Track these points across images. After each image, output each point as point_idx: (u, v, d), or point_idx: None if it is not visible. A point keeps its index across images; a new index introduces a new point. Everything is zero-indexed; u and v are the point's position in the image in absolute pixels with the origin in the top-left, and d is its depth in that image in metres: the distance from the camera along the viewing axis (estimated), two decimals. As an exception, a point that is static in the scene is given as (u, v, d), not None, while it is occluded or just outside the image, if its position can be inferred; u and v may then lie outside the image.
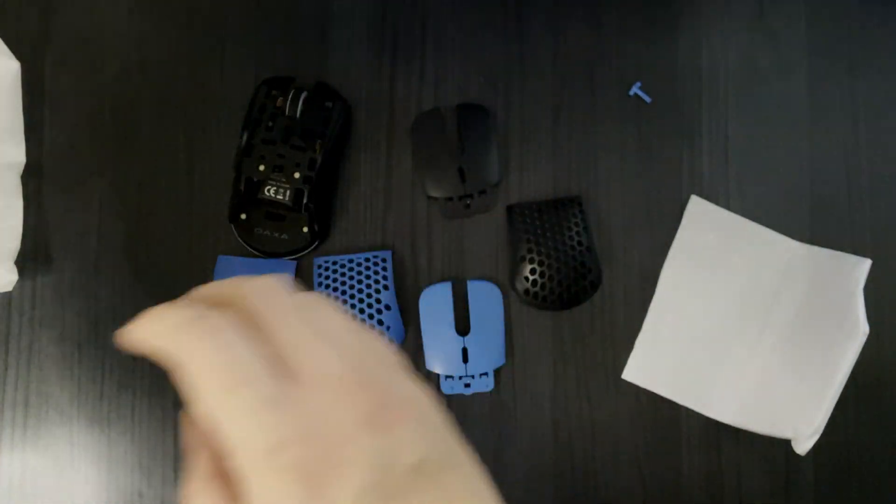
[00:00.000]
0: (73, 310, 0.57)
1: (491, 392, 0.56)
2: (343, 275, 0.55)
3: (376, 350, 0.24)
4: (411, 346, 0.56)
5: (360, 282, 0.54)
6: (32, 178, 0.58)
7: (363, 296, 0.54)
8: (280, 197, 0.54)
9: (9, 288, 0.56)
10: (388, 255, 0.56)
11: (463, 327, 0.56)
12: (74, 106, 0.58)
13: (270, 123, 0.54)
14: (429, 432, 0.22)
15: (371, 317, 0.54)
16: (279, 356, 0.22)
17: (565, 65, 0.59)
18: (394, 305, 0.55)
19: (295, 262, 0.57)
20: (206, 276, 0.57)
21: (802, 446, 0.51)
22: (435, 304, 0.56)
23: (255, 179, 0.54)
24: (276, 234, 0.55)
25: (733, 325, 0.57)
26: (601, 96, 0.59)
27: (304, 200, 0.54)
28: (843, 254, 0.55)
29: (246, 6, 0.59)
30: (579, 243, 0.56)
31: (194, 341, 0.21)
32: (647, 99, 0.58)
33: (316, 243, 0.56)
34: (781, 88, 0.59)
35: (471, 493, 0.22)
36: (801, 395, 0.52)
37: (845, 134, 0.59)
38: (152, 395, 0.56)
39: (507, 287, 0.57)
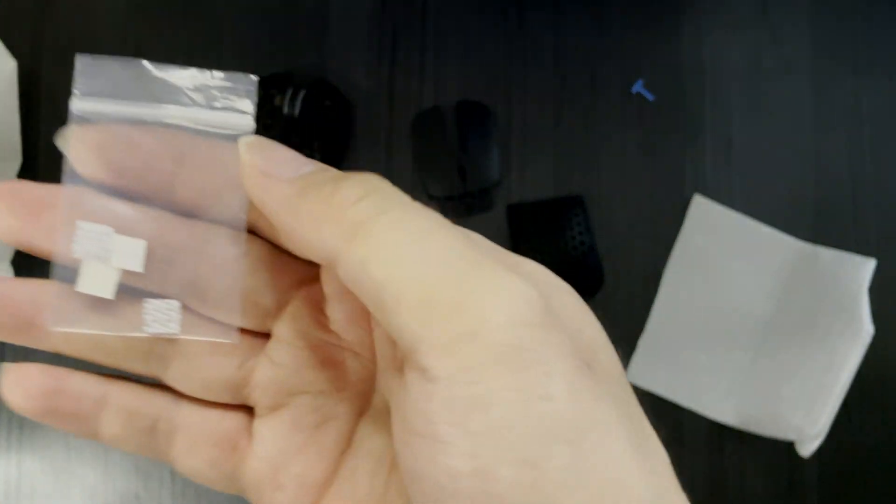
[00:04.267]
0: (70, 310, 0.56)
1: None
2: (342, 275, 0.54)
3: None
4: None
5: (359, 282, 0.54)
6: (28, 177, 0.57)
7: (362, 296, 0.54)
8: (278, 196, 0.53)
9: (4, 288, 0.55)
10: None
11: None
12: (71, 104, 0.57)
13: (269, 122, 0.54)
14: None
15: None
16: None
17: (567, 62, 0.58)
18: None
19: (294, 262, 0.56)
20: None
21: (806, 448, 0.50)
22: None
23: (254, 179, 0.53)
24: (275, 234, 0.55)
25: (737, 325, 0.57)
26: (603, 94, 0.58)
27: (303, 200, 0.53)
28: (848, 254, 0.55)
29: (244, 3, 0.59)
30: (581, 243, 0.55)
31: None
32: (650, 97, 0.58)
33: (315, 243, 0.56)
34: (785, 87, 0.59)
35: None
36: (805, 396, 0.52)
37: (850, 133, 0.59)
38: (150, 397, 0.56)
39: (507, 287, 0.56)
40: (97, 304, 0.20)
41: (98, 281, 0.19)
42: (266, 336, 0.22)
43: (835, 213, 0.58)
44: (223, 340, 0.20)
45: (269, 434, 0.21)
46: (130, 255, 0.19)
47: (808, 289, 0.55)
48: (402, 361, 0.18)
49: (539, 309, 0.16)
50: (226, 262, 0.20)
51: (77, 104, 0.22)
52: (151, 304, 0.20)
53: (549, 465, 0.15)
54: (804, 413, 0.51)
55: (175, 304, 0.20)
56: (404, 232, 0.17)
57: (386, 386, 0.21)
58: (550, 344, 0.16)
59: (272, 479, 0.21)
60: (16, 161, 0.57)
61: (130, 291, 0.20)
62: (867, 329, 0.50)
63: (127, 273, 0.19)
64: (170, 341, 0.21)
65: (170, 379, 0.21)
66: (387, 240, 0.17)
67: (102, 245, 0.19)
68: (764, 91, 0.59)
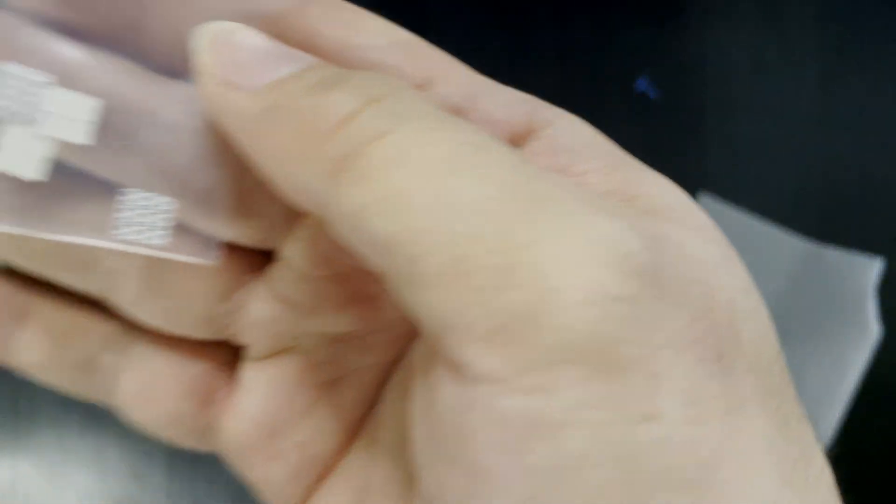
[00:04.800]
0: (65, 311, 0.56)
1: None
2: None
3: None
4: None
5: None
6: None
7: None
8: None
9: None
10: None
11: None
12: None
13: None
14: None
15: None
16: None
17: (568, 59, 0.58)
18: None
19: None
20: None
21: (812, 453, 0.50)
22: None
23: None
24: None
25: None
26: (605, 92, 0.58)
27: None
28: (853, 253, 0.55)
29: None
30: (583, 243, 0.55)
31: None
32: (653, 94, 0.57)
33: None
34: (791, 84, 0.58)
35: None
36: (810, 399, 0.51)
37: (857, 132, 0.58)
38: (145, 399, 0.56)
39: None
40: (21, 187, 0.14)
41: (23, 155, 0.13)
42: (268, 256, 0.16)
43: (841, 212, 0.58)
44: (199, 261, 0.14)
45: (264, 388, 0.16)
46: (75, 119, 0.13)
47: (813, 289, 0.55)
48: (429, 348, 0.12)
49: (639, 269, 0.11)
50: (214, 145, 0.14)
51: None
52: (133, 198, 0.14)
53: None
54: (809, 416, 0.51)
55: (170, 203, 0.14)
56: (416, 163, 0.11)
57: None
58: (656, 328, 0.11)
59: (265, 447, 0.16)
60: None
61: (69, 174, 0.14)
62: (873, 330, 0.50)
63: (68, 147, 0.13)
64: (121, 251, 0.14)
65: (120, 301, 0.16)
66: (388, 178, 0.11)
67: (35, 102, 0.13)
68: (769, 89, 0.58)
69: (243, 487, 0.54)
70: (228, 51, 0.13)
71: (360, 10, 0.16)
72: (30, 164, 0.13)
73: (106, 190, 0.14)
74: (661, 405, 0.10)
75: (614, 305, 0.10)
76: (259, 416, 0.16)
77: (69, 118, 0.13)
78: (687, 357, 0.11)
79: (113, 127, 0.13)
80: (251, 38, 0.13)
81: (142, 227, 0.14)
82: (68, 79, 0.13)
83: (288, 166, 0.12)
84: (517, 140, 0.15)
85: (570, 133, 0.15)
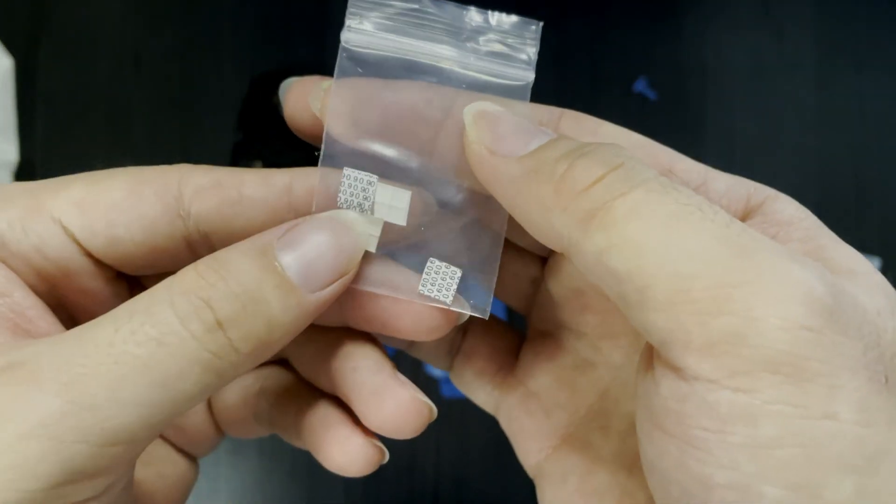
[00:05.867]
0: (67, 311, 0.56)
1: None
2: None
3: None
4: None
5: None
6: (25, 176, 0.57)
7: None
8: (277, 196, 0.53)
9: (1, 288, 0.55)
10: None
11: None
12: (68, 103, 0.57)
13: (266, 120, 0.54)
14: None
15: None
16: None
17: (568, 60, 0.58)
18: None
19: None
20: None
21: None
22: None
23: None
24: (274, 234, 0.55)
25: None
26: (604, 92, 0.58)
27: (302, 199, 0.53)
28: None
29: (242, 1, 0.58)
30: (582, 243, 0.55)
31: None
32: (652, 96, 0.58)
33: (314, 243, 0.56)
34: (788, 85, 0.59)
35: None
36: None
37: (853, 132, 0.58)
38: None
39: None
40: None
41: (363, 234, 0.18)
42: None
43: (838, 212, 0.58)
44: (476, 314, 0.19)
45: (531, 358, 0.22)
46: (394, 207, 0.18)
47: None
48: (649, 349, 0.16)
49: (823, 308, 0.14)
50: (484, 236, 0.19)
51: (350, 37, 0.20)
52: (435, 265, 0.18)
53: (828, 495, 0.13)
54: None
55: (458, 273, 0.18)
56: (648, 217, 0.14)
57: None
58: (836, 353, 0.13)
59: (524, 403, 0.21)
60: (12, 160, 0.56)
61: (388, 249, 0.18)
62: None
63: (389, 227, 0.18)
64: None
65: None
66: (627, 228, 0.14)
67: (366, 195, 0.18)
68: (767, 89, 0.58)
69: (243, 488, 0.54)
70: (491, 125, 0.17)
71: (599, 119, 0.21)
72: (368, 241, 0.18)
73: (413, 260, 0.19)
74: (837, 408, 0.13)
75: (803, 332, 0.13)
76: (523, 378, 0.22)
77: (391, 206, 0.18)
78: (860, 375, 0.14)
79: (416, 214, 0.18)
80: (506, 116, 0.17)
81: (437, 288, 0.18)
82: (387, 176, 0.18)
83: (546, 215, 0.16)
84: (738, 215, 0.19)
85: (781, 210, 0.18)
